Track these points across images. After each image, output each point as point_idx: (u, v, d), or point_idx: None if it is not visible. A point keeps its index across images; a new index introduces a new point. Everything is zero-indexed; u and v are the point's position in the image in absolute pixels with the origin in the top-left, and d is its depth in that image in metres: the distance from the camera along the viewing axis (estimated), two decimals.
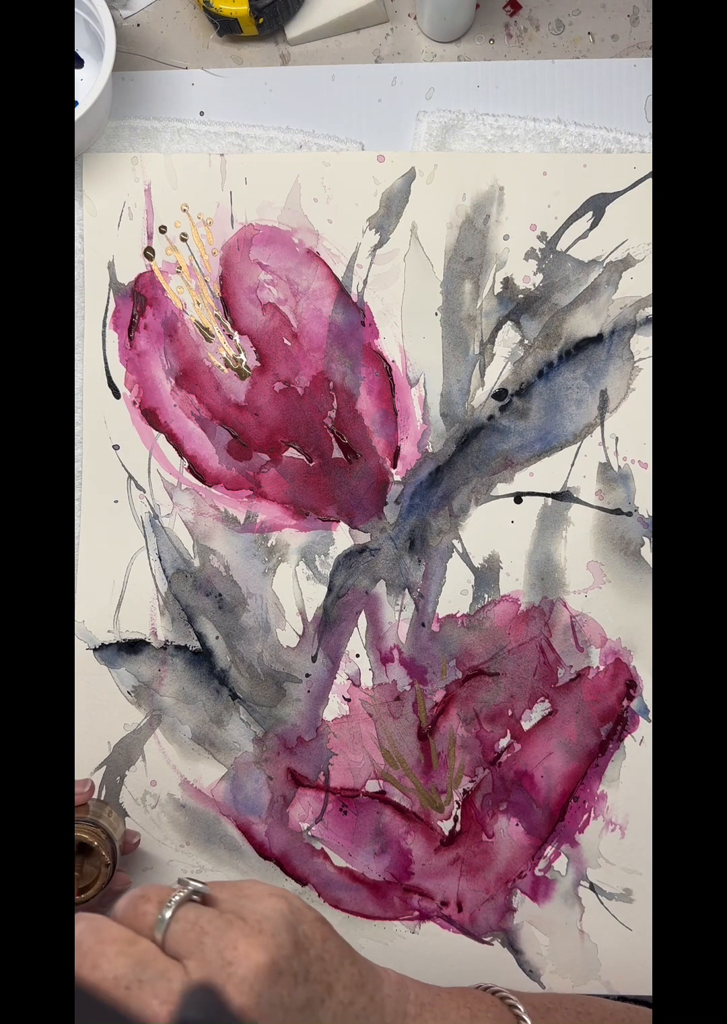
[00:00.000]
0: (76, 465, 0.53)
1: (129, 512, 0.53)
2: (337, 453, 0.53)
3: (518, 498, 0.52)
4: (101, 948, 0.28)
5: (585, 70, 0.54)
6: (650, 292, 0.52)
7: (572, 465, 0.52)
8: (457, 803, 0.52)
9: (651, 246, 0.52)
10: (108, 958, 0.27)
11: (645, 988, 0.51)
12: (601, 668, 0.52)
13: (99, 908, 0.48)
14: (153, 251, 0.53)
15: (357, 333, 0.53)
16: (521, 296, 0.53)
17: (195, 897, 0.29)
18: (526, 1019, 0.37)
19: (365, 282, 0.53)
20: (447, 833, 0.52)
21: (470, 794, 0.52)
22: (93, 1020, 0.27)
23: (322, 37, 0.55)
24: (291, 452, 0.53)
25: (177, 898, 0.29)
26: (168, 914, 0.28)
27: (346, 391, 0.53)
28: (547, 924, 0.51)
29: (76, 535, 0.53)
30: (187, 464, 0.53)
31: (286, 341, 0.53)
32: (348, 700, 0.52)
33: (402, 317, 0.53)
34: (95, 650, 0.53)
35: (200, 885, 0.30)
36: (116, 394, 0.53)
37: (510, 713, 0.52)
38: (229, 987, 0.27)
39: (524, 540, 0.52)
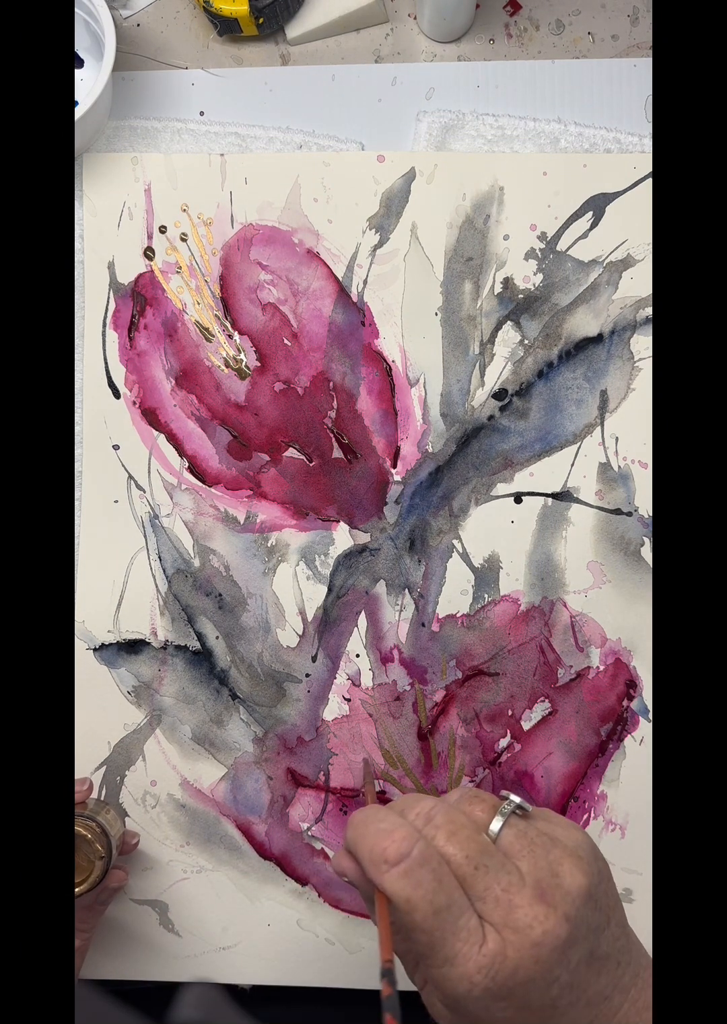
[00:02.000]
0: (76, 465, 0.53)
1: (129, 512, 0.53)
2: (337, 453, 0.53)
3: (518, 498, 0.52)
4: (453, 828, 0.33)
5: (585, 70, 0.54)
6: (650, 292, 0.52)
7: (572, 465, 0.52)
8: None
9: (651, 246, 0.52)
10: (461, 839, 0.32)
11: None
12: (601, 668, 0.52)
13: (95, 905, 0.48)
14: (153, 251, 0.53)
15: (357, 333, 0.53)
16: (521, 296, 0.53)
17: (518, 811, 0.34)
18: None
19: (365, 282, 0.53)
20: None
21: None
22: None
23: (322, 37, 0.55)
24: (291, 452, 0.53)
25: (510, 808, 0.34)
26: (501, 821, 0.33)
27: (346, 391, 0.53)
28: None
29: (76, 535, 0.53)
30: (187, 464, 0.53)
31: (286, 341, 0.53)
32: (348, 700, 0.52)
33: (402, 317, 0.53)
34: (95, 650, 0.53)
35: (523, 801, 0.34)
36: (116, 394, 0.53)
37: (510, 713, 0.52)
38: (555, 896, 0.31)
39: (524, 540, 0.52)
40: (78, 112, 0.49)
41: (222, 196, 0.53)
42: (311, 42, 0.55)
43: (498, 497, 0.52)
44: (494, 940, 0.31)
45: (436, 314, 0.53)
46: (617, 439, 0.52)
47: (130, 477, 0.53)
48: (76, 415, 0.53)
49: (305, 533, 0.53)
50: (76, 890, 0.45)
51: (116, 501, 0.53)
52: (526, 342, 0.53)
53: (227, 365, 0.53)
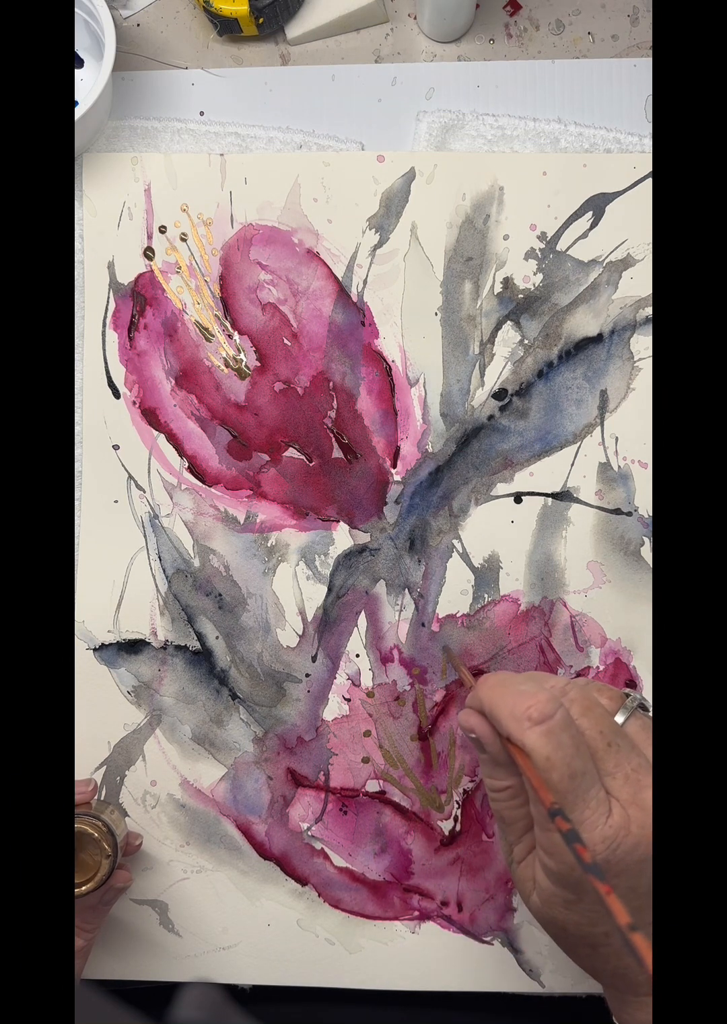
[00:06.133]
0: (76, 465, 0.53)
1: (129, 512, 0.53)
2: (337, 453, 0.53)
3: (518, 498, 0.52)
4: (587, 704, 0.35)
5: (585, 70, 0.54)
6: (650, 292, 0.52)
7: (572, 465, 0.52)
8: (457, 803, 0.52)
9: (651, 246, 0.52)
10: (595, 716, 0.35)
11: None
12: (601, 668, 0.52)
13: (100, 905, 0.48)
14: (153, 251, 0.53)
15: (357, 333, 0.53)
16: (521, 296, 0.53)
17: (641, 708, 0.36)
18: None
19: (365, 282, 0.53)
20: (447, 833, 0.52)
21: (470, 794, 0.52)
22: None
23: (322, 37, 0.55)
24: (291, 452, 0.53)
25: (635, 703, 0.36)
26: (626, 714, 0.36)
27: (346, 391, 0.53)
28: None
29: (76, 535, 0.53)
30: (187, 464, 0.53)
31: (286, 341, 0.53)
32: (348, 700, 0.52)
33: (402, 317, 0.53)
34: (95, 650, 0.53)
35: (644, 699, 0.36)
36: (116, 394, 0.53)
37: None
38: None
39: (524, 540, 0.52)
40: (78, 112, 0.49)
41: (222, 196, 0.53)
42: (311, 42, 0.55)
43: (498, 497, 0.52)
44: (620, 814, 0.32)
45: (436, 314, 0.53)
46: (617, 439, 0.52)
47: (130, 477, 0.53)
48: (76, 415, 0.53)
49: (305, 533, 0.53)
50: (83, 888, 0.45)
51: (116, 501, 0.53)
52: (526, 342, 0.53)
53: (227, 365, 0.53)
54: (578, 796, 0.32)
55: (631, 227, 0.52)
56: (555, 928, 0.36)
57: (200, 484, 0.53)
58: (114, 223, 0.53)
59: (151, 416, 0.53)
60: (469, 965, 0.52)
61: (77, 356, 0.53)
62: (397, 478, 0.53)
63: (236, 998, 0.53)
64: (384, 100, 0.54)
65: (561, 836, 0.31)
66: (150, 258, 0.53)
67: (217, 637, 0.53)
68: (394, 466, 0.53)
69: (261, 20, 0.52)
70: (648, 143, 0.53)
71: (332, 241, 0.53)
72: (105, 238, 0.53)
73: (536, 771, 0.33)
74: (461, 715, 0.39)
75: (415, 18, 0.55)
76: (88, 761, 0.53)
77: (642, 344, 0.52)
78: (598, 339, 0.52)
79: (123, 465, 0.53)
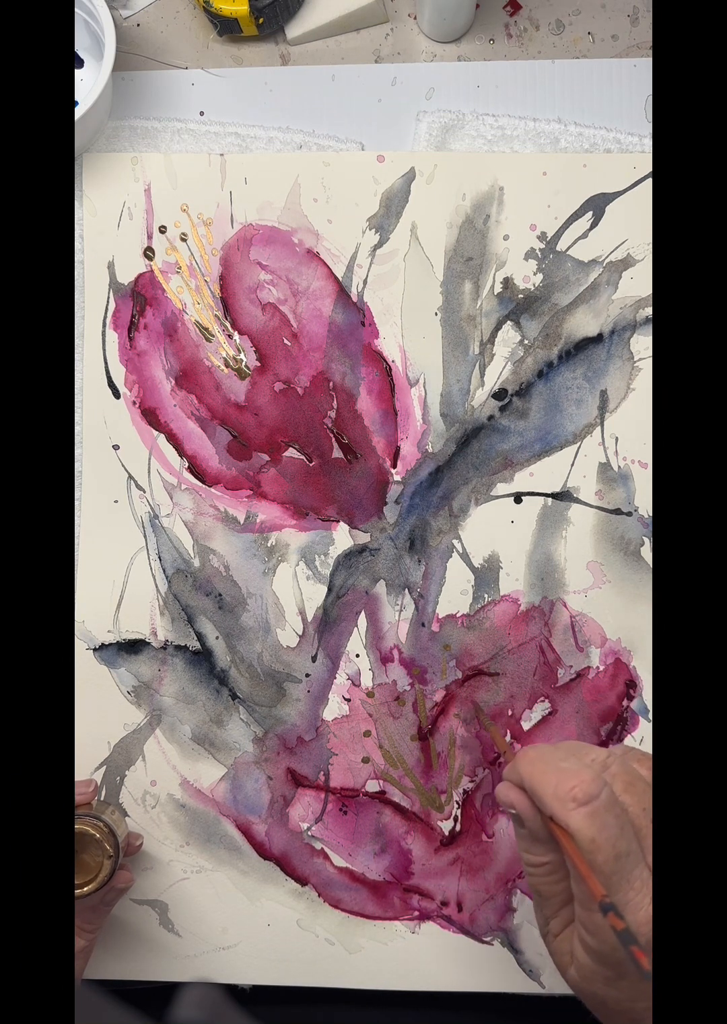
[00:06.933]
0: (76, 465, 0.53)
1: (129, 512, 0.53)
2: (337, 453, 0.53)
3: (518, 498, 0.52)
4: (629, 780, 0.35)
5: (585, 70, 0.54)
6: (650, 292, 0.52)
7: (572, 465, 0.52)
8: (457, 803, 0.52)
9: (651, 246, 0.52)
10: (637, 792, 0.34)
11: None
12: (601, 668, 0.52)
13: (101, 906, 0.48)
14: (153, 251, 0.53)
15: (357, 333, 0.53)
16: (521, 296, 0.53)
17: None
18: None
19: (365, 282, 0.53)
20: (447, 833, 0.52)
21: (470, 794, 0.52)
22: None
23: (322, 37, 0.55)
24: (291, 452, 0.53)
25: None
26: None
27: (346, 391, 0.53)
28: None
29: (76, 535, 0.53)
30: (187, 464, 0.53)
31: (286, 341, 0.53)
32: (348, 700, 0.52)
33: (402, 317, 0.53)
34: (95, 650, 0.53)
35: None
36: (116, 394, 0.53)
37: (510, 713, 0.52)
38: None
39: (524, 540, 0.52)
40: (78, 112, 0.49)
41: (222, 196, 0.53)
42: (311, 42, 0.55)
43: (498, 497, 0.52)
44: None
45: (436, 314, 0.53)
46: (617, 439, 0.52)
47: (130, 477, 0.53)
48: (76, 415, 0.53)
49: (305, 533, 0.53)
50: (84, 889, 0.45)
51: (116, 501, 0.53)
52: (526, 342, 0.53)
53: (227, 365, 0.53)
54: (623, 877, 0.32)
55: (631, 227, 0.52)
56: (595, 1002, 0.36)
57: (200, 484, 0.53)
58: (114, 223, 0.53)
59: (151, 416, 0.53)
60: (469, 965, 0.52)
61: (77, 356, 0.53)
62: (397, 478, 0.53)
63: (236, 998, 0.53)
64: (384, 100, 0.54)
65: (615, 935, 0.31)
66: (150, 258, 0.53)
67: (217, 637, 0.53)
68: (394, 466, 0.53)
69: (261, 20, 0.52)
70: (648, 143, 0.53)
71: (332, 241, 0.53)
72: (105, 238, 0.53)
73: (581, 854, 0.33)
74: (499, 790, 0.38)
75: (415, 18, 0.55)
76: (88, 761, 0.53)
77: (642, 344, 0.52)
78: (598, 339, 0.52)
79: (123, 465, 0.53)
